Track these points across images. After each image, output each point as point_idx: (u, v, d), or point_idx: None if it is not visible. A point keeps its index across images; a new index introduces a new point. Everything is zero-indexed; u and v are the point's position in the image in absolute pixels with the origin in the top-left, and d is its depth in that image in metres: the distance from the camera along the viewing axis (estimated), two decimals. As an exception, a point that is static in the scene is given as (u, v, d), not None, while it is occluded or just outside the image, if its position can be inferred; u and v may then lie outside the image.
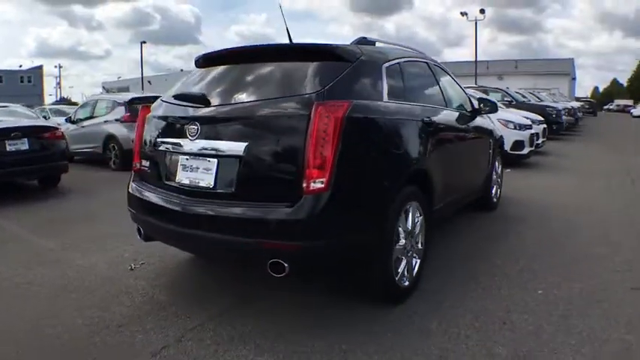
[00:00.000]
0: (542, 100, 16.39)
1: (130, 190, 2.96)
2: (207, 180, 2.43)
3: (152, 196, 2.72)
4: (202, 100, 2.55)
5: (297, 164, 2.19)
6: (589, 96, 67.02)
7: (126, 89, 42.51)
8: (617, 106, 53.57)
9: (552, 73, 41.88)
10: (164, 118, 2.81)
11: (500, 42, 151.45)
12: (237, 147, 2.32)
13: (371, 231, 2.39)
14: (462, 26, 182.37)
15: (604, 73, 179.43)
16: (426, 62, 3.60)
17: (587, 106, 29.67)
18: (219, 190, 2.41)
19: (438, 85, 3.63)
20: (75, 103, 31.48)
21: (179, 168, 2.59)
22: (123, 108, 8.65)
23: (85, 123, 9.31)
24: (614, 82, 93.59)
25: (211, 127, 2.49)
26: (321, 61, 2.51)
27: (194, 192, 2.49)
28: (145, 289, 3.02)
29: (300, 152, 2.18)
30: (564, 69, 44.85)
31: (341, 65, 2.48)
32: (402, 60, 3.06)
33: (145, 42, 41.49)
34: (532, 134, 8.67)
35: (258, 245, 2.20)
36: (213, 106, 2.53)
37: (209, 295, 2.90)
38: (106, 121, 8.83)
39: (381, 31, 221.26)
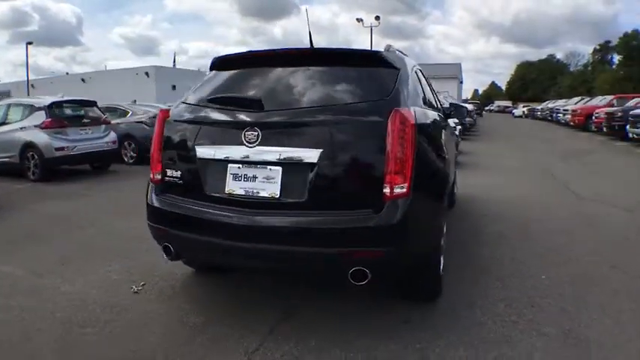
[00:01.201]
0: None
1: (152, 203, 2.69)
2: (270, 189, 2.31)
3: (191, 210, 2.49)
4: (258, 104, 2.38)
5: (377, 170, 2.19)
6: (469, 98, 74.00)
7: (7, 94, 37.25)
8: (498, 107, 59.66)
9: (442, 76, 45.13)
10: (200, 122, 2.57)
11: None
12: (310, 154, 2.23)
13: (437, 232, 2.52)
14: (349, 32, 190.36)
15: (482, 77, 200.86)
16: (419, 69, 3.83)
17: (475, 108, 33.04)
18: (286, 200, 2.29)
19: (431, 89, 3.88)
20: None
21: (228, 177, 2.41)
22: (43, 113, 7.71)
23: (-5, 131, 8.09)
24: (493, 84, 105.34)
25: (276, 132, 2.33)
26: (370, 66, 2.52)
27: (253, 203, 2.34)
28: (168, 312, 2.80)
29: (379, 158, 2.19)
30: (453, 73, 49.02)
31: (392, 72, 2.51)
32: (416, 67, 3.23)
33: (31, 43, 35.87)
34: (457, 135, 9.55)
35: (344, 254, 2.18)
36: (274, 110, 2.37)
37: (244, 312, 2.78)
38: (22, 128, 7.78)
39: (270, 36, 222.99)
